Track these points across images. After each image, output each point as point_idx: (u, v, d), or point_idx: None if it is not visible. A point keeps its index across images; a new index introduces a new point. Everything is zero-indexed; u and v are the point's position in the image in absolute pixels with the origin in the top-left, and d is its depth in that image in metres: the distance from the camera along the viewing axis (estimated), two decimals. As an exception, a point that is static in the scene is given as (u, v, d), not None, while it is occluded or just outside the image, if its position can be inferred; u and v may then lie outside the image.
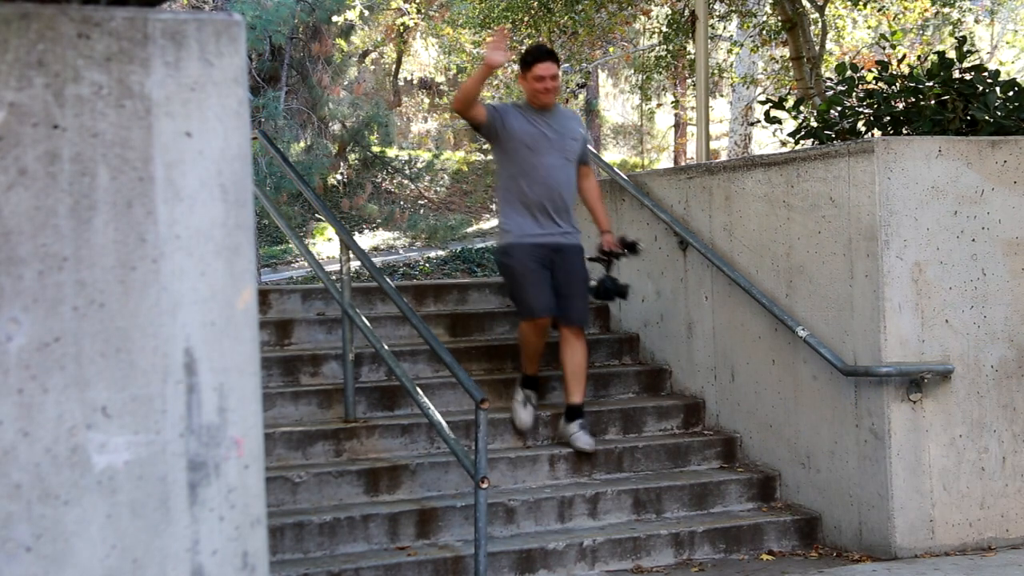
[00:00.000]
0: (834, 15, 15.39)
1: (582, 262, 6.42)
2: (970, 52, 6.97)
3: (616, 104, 32.62)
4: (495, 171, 6.42)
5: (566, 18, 14.16)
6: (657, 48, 15.84)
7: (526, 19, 14.38)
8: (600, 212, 6.61)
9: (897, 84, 6.62)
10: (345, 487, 5.89)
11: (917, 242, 5.76)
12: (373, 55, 29.71)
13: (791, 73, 13.72)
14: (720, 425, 6.92)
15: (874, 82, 6.79)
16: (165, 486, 2.36)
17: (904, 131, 6.51)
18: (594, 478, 6.37)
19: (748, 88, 16.91)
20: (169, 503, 2.36)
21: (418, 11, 23.31)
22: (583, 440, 6.29)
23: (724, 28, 16.83)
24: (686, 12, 13.08)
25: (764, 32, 14.24)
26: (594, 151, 6.99)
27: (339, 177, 24.33)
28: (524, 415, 6.43)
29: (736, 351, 6.75)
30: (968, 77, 6.48)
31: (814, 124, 6.88)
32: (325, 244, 21.71)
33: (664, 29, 14.53)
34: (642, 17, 16.86)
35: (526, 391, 6.47)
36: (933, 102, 6.41)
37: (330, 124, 23.79)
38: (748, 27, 14.74)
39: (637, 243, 6.57)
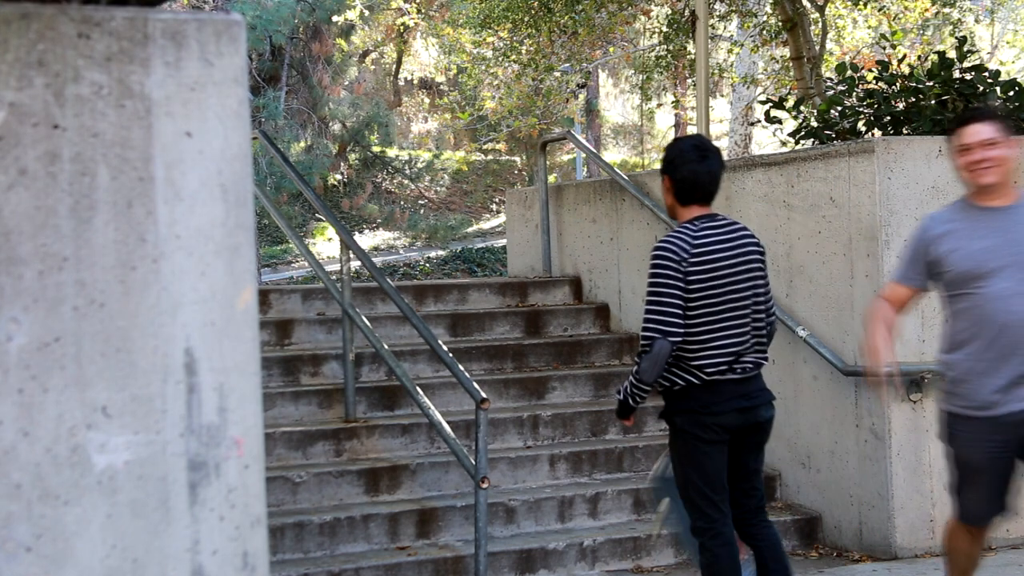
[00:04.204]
0: (834, 15, 15.38)
1: None
2: (970, 52, 6.97)
3: (616, 104, 32.64)
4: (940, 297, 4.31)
5: (566, 18, 14.15)
6: (657, 48, 15.83)
7: (526, 19, 14.37)
8: None
9: (897, 84, 6.62)
10: (345, 487, 5.89)
11: (917, 242, 5.76)
12: (373, 55, 29.71)
13: (791, 73, 13.70)
14: (720, 425, 6.91)
15: (874, 82, 6.78)
16: (165, 486, 2.36)
17: (904, 131, 6.51)
18: (594, 478, 6.37)
19: (748, 88, 16.90)
20: (169, 503, 2.36)
21: (418, 11, 23.32)
22: None
23: (724, 28, 16.83)
24: (686, 12, 13.07)
25: (764, 32, 14.23)
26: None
27: (339, 177, 24.35)
28: None
29: (736, 351, 6.74)
30: (968, 77, 6.48)
31: (814, 124, 6.88)
32: (325, 244, 21.73)
33: (664, 29, 14.52)
34: (642, 17, 16.85)
35: None
36: (933, 102, 6.41)
37: (330, 124, 23.80)
38: (748, 27, 14.73)
39: None
